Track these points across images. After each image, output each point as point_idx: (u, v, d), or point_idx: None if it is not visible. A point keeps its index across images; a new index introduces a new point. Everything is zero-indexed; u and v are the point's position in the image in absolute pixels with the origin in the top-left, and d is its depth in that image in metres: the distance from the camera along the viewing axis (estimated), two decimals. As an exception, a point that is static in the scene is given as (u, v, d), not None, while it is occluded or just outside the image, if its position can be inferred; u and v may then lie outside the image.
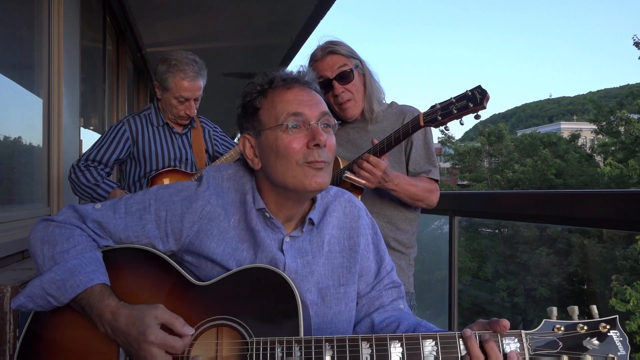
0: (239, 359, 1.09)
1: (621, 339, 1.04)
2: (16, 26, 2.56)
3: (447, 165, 34.69)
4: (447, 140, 30.63)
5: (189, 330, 1.08)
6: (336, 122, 1.27)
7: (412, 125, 1.76)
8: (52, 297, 1.11)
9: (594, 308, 1.06)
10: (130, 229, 1.23)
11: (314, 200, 1.32)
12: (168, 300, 1.15)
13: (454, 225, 2.71)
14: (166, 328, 1.08)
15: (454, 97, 1.65)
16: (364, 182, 1.83)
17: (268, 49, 6.50)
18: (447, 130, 1.78)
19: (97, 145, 2.38)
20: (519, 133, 41.36)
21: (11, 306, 1.14)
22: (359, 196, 1.93)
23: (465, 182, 29.65)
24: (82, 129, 3.37)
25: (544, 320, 1.07)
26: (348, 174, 1.85)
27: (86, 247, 1.18)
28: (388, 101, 2.17)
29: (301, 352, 1.05)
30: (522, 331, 1.06)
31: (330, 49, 2.02)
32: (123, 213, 1.24)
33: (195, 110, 2.47)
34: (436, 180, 2.06)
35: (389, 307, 1.34)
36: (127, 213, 1.24)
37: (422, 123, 1.72)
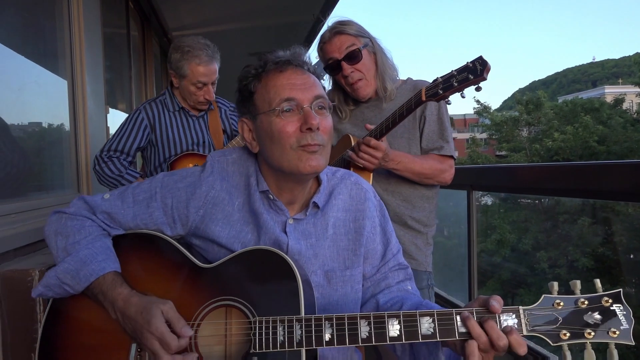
0: (242, 339, 1.12)
1: (624, 312, 1.02)
2: (37, 13, 2.62)
3: (484, 136, 33.82)
4: (483, 111, 29.84)
5: (187, 332, 1.10)
6: (331, 103, 1.26)
7: (414, 100, 1.72)
8: (68, 285, 1.17)
9: (598, 282, 1.04)
10: (139, 217, 1.27)
11: (319, 183, 1.32)
12: (175, 282, 1.19)
13: (471, 200, 2.66)
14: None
15: (455, 70, 1.61)
16: (364, 162, 1.83)
17: (292, 26, 6.46)
18: (449, 103, 1.74)
19: (117, 135, 2.43)
20: (560, 100, 39.84)
21: (32, 295, 1.20)
22: (370, 175, 1.93)
23: (502, 153, 28.96)
24: (109, 115, 3.46)
25: (543, 295, 1.05)
26: (350, 154, 1.86)
27: (97, 236, 1.23)
28: (404, 77, 2.14)
29: (302, 331, 1.07)
30: (520, 307, 1.04)
31: (337, 29, 2.00)
32: (131, 202, 1.28)
33: (214, 94, 2.49)
34: (450, 157, 2.03)
35: (395, 288, 1.34)
36: (134, 202, 1.28)
37: (424, 98, 1.69)
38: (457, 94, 1.64)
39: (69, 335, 1.22)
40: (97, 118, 3.01)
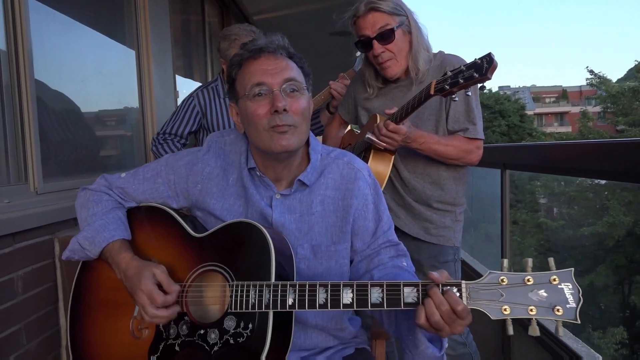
0: (223, 300, 1.26)
1: (572, 291, 1.02)
2: (106, 7, 2.93)
3: (597, 109, 30.88)
4: (600, 82, 27.20)
5: (174, 289, 1.25)
6: (305, 85, 1.33)
7: (424, 93, 1.71)
8: (87, 250, 1.37)
9: (551, 260, 1.05)
10: (147, 192, 1.45)
11: (309, 162, 1.40)
12: (172, 249, 1.35)
13: (505, 179, 2.54)
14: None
15: (464, 65, 1.57)
16: (384, 144, 1.86)
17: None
18: (455, 100, 1.70)
19: (172, 119, 2.67)
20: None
21: (62, 258, 1.45)
22: (392, 157, 1.95)
23: (619, 127, 26.33)
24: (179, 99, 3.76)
25: (489, 271, 1.07)
26: (369, 135, 1.88)
27: (111, 209, 1.42)
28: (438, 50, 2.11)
29: (270, 295, 1.17)
30: (463, 282, 1.07)
31: (372, 5, 1.95)
32: (141, 179, 1.45)
33: None
34: (477, 139, 1.99)
35: (389, 265, 1.39)
36: (144, 179, 1.45)
37: (432, 92, 1.67)
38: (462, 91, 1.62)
39: (91, 291, 1.43)
40: (164, 103, 3.30)
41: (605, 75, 26.80)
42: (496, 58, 1.54)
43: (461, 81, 1.59)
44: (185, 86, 4.25)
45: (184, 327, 1.26)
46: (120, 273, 1.33)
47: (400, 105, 1.93)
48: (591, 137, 24.65)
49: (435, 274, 1.08)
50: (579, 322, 1.00)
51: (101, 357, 1.36)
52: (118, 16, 2.95)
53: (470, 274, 3.06)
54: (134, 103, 3.08)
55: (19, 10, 1.89)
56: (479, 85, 1.58)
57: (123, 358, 1.33)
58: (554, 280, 1.03)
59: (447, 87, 1.62)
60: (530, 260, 1.05)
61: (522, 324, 1.08)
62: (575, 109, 49.71)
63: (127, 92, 3.04)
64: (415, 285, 1.11)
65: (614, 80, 29.36)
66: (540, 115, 56.73)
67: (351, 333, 1.49)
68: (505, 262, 1.07)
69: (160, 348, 1.27)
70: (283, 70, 1.29)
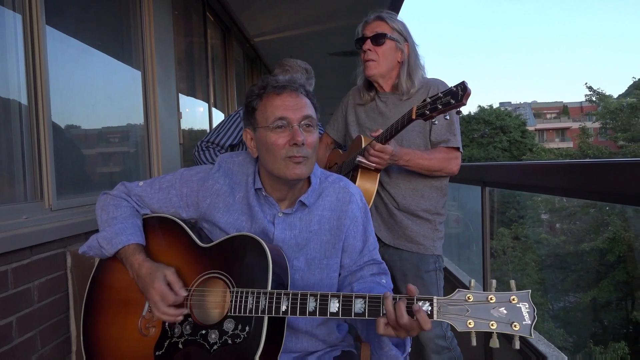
0: (224, 305, 1.40)
1: (529, 310, 1.16)
2: (112, 28, 3.12)
3: (596, 125, 31.11)
4: (598, 99, 27.45)
5: (182, 293, 1.41)
6: (319, 123, 1.52)
7: (407, 117, 1.89)
8: (104, 249, 1.53)
9: (512, 283, 1.18)
10: (161, 201, 1.62)
11: (309, 185, 1.57)
12: (181, 256, 1.51)
13: (485, 196, 2.71)
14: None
15: (442, 92, 1.77)
16: (374, 165, 2.03)
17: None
18: (434, 123, 1.92)
19: (217, 130, 2.94)
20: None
21: (78, 252, 1.61)
22: (378, 174, 2.12)
23: (619, 143, 26.48)
24: (182, 120, 3.94)
25: (457, 289, 1.21)
26: (360, 158, 2.04)
27: (130, 215, 1.59)
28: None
29: (266, 301, 1.32)
30: (435, 297, 1.22)
31: (380, 16, 2.23)
32: (157, 189, 1.63)
33: None
34: (456, 149, 2.16)
35: (369, 279, 1.56)
36: (159, 189, 1.62)
37: (414, 116, 1.85)
38: (441, 115, 1.81)
39: (104, 290, 1.59)
40: (169, 124, 3.47)
41: (604, 92, 27.05)
42: (470, 86, 1.73)
43: (439, 107, 1.77)
44: (189, 106, 4.43)
45: (188, 327, 1.41)
46: (134, 272, 1.49)
47: (385, 116, 2.12)
48: (590, 152, 24.83)
49: (411, 287, 1.24)
50: (532, 337, 1.15)
51: (110, 350, 1.51)
52: (125, 40, 3.13)
53: (456, 284, 3.19)
54: (140, 122, 3.25)
55: (37, 39, 2.06)
56: (456, 110, 1.75)
57: (130, 352, 1.48)
58: (513, 299, 1.17)
59: (427, 112, 1.80)
60: (494, 282, 1.20)
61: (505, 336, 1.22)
62: (576, 125, 49.83)
63: (133, 113, 3.22)
64: (395, 298, 1.25)
65: (615, 95, 29.55)
66: (541, 131, 56.97)
67: (338, 338, 1.64)
68: (494, 282, 1.21)
69: (165, 345, 1.42)
70: (302, 107, 1.47)
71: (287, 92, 1.47)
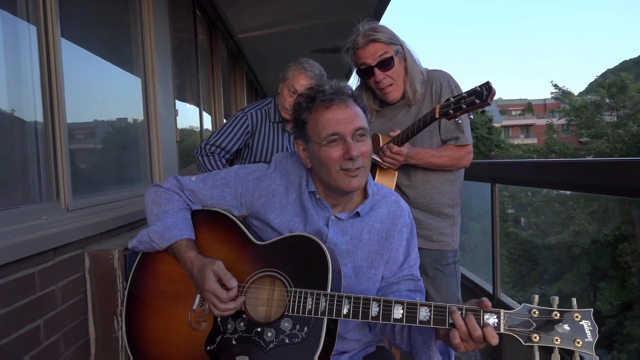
0: (280, 304, 1.41)
1: (591, 328, 1.19)
2: (114, 29, 3.08)
3: (562, 121, 32.11)
4: (562, 96, 28.34)
5: (233, 284, 1.39)
6: (370, 131, 1.51)
7: (429, 116, 1.93)
8: (155, 243, 1.51)
9: (574, 300, 1.22)
10: (215, 198, 1.61)
11: (366, 196, 1.58)
12: (234, 252, 1.51)
13: (495, 193, 2.80)
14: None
15: (466, 92, 1.81)
16: (388, 165, 2.08)
17: (349, 25, 6.67)
18: (459, 122, 1.94)
19: (221, 132, 2.75)
20: (651, 81, 36.86)
21: (128, 246, 1.58)
22: (395, 173, 2.16)
23: (582, 139, 27.42)
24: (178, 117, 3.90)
25: (523, 304, 1.24)
26: (374, 156, 2.07)
27: (181, 209, 1.58)
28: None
29: (326, 303, 1.33)
30: (502, 310, 1.24)
31: (372, 37, 2.15)
32: (211, 186, 1.61)
33: None
34: (467, 145, 2.21)
35: (404, 294, 1.56)
36: (213, 186, 1.61)
37: (437, 115, 1.90)
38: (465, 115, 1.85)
39: (152, 281, 1.56)
40: (167, 121, 3.44)
41: (568, 89, 27.93)
42: (494, 86, 1.78)
43: (464, 106, 1.82)
44: (180, 103, 4.39)
45: (242, 323, 1.41)
46: (186, 269, 1.49)
47: (399, 124, 2.14)
48: (556, 148, 25.63)
49: (485, 300, 1.25)
50: (594, 354, 1.18)
51: (156, 343, 1.50)
52: (127, 40, 3.10)
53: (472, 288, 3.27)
54: (140, 120, 3.22)
55: (53, 49, 2.04)
56: (481, 110, 1.81)
57: (179, 346, 1.47)
58: (577, 317, 1.20)
59: (451, 111, 1.85)
60: (556, 298, 1.22)
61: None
62: (541, 122, 51.32)
63: (134, 111, 3.19)
64: (460, 309, 1.26)
65: (576, 93, 30.56)
66: (507, 127, 58.31)
67: (369, 337, 1.67)
68: (557, 299, 1.23)
69: (217, 340, 1.43)
70: (353, 119, 1.45)
71: (336, 104, 1.45)
